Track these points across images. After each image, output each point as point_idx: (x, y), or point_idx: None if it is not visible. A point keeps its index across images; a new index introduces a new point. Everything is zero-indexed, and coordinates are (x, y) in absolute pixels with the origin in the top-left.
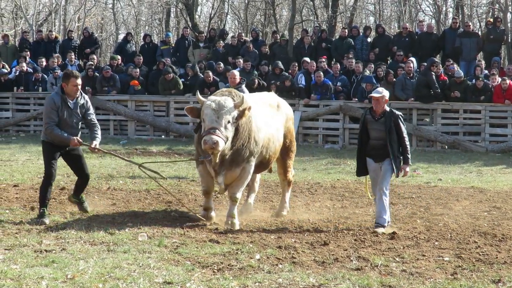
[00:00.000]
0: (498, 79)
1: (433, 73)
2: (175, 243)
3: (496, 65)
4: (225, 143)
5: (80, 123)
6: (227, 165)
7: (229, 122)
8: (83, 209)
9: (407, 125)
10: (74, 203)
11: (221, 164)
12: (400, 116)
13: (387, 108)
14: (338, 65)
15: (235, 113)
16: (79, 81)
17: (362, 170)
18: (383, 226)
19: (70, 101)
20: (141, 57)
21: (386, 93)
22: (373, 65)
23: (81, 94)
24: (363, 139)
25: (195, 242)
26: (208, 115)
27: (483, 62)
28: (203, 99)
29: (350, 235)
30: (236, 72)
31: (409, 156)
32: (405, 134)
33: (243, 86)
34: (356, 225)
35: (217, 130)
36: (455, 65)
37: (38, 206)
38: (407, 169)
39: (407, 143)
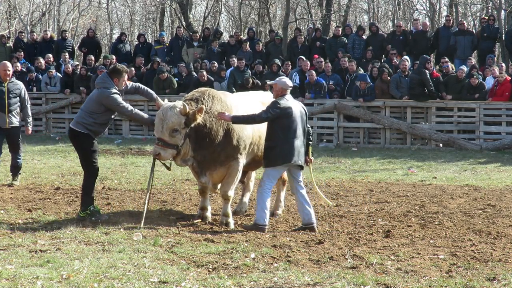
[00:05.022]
0: (496, 69)
1: (427, 71)
2: (170, 243)
3: (490, 61)
4: (175, 150)
5: None
6: (210, 165)
7: (175, 130)
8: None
9: (402, 123)
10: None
11: (201, 165)
12: (273, 102)
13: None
14: (329, 64)
15: (181, 119)
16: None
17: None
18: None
19: None
20: (143, 58)
21: (278, 81)
22: (374, 64)
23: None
24: None
25: (190, 241)
26: (156, 124)
27: (473, 60)
28: (162, 102)
29: (345, 233)
30: (7, 64)
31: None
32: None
33: (14, 79)
34: (351, 223)
35: (160, 142)
36: (449, 63)
37: (82, 205)
38: None
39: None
